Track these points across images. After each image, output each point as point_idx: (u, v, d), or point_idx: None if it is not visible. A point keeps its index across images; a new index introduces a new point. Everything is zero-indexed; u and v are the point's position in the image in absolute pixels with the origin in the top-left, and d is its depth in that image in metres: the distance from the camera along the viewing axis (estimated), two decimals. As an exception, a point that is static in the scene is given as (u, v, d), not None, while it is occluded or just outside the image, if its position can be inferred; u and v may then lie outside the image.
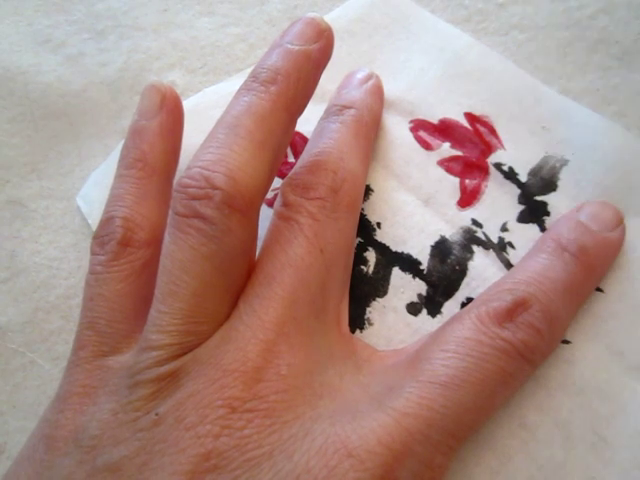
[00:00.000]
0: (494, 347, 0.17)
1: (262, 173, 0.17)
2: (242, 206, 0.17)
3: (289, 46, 0.19)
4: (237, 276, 0.18)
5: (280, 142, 0.19)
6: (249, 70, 0.26)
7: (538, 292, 0.18)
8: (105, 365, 0.18)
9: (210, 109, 0.25)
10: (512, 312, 0.17)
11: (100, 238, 0.20)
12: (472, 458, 0.19)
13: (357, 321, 0.21)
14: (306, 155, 0.20)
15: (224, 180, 0.17)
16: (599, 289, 0.20)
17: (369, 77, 0.24)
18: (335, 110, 0.22)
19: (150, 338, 0.16)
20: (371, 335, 0.21)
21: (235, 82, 0.26)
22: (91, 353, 0.18)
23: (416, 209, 0.22)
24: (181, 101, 0.23)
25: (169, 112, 0.22)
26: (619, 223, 0.20)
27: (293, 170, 0.20)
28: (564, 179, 0.22)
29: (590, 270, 0.19)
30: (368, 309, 0.21)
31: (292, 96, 0.19)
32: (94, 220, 0.24)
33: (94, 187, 0.25)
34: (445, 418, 0.16)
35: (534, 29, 0.24)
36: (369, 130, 0.22)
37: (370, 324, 0.21)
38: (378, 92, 0.24)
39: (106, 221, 0.20)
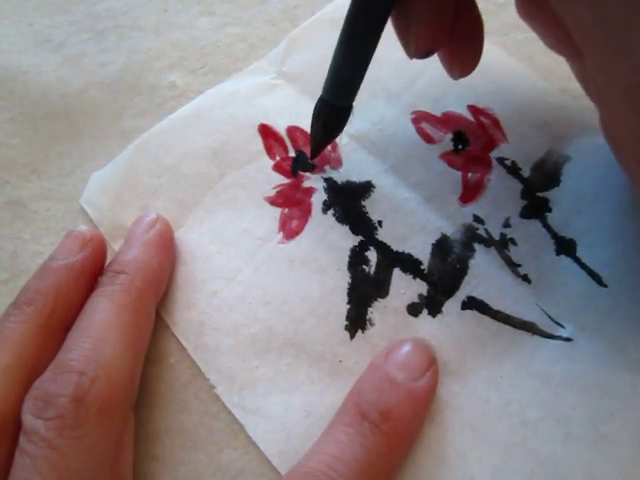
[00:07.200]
0: None
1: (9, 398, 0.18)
2: None
3: (51, 262, 0.21)
4: None
5: (39, 356, 0.19)
6: (249, 69, 0.26)
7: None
8: None
9: (212, 110, 0.25)
10: None
11: None
12: (473, 454, 0.19)
13: (359, 322, 0.21)
14: (67, 341, 0.19)
15: None
16: (603, 284, 0.20)
17: (152, 224, 0.23)
18: (106, 278, 0.21)
19: None
20: (373, 335, 0.21)
21: (235, 82, 0.26)
22: None
23: (417, 206, 0.22)
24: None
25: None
26: (429, 366, 0.19)
27: (43, 374, 0.19)
28: (567, 174, 0.22)
29: (394, 438, 0.18)
30: (370, 309, 0.21)
31: (49, 312, 0.20)
32: (106, 228, 0.24)
33: (100, 192, 0.25)
34: None
35: (533, 29, 0.24)
36: (141, 295, 0.21)
37: (372, 324, 0.21)
38: (160, 242, 0.23)
39: None
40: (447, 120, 0.23)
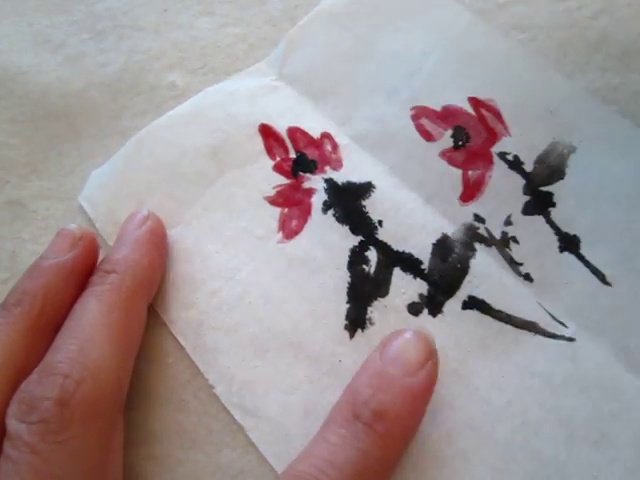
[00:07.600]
0: None
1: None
2: None
3: (41, 261, 0.21)
4: None
5: (28, 358, 0.19)
6: (249, 70, 0.26)
7: None
8: None
9: (211, 109, 0.25)
10: None
11: None
12: (475, 455, 0.19)
13: (358, 321, 0.21)
14: (56, 341, 0.19)
15: None
16: (606, 283, 0.20)
17: (144, 221, 0.23)
18: (97, 278, 0.21)
19: None
20: (373, 335, 0.21)
21: (235, 82, 0.26)
22: None
23: (418, 206, 0.22)
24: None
25: None
26: (427, 359, 0.18)
27: (30, 376, 0.18)
28: (572, 166, 0.21)
29: (390, 439, 0.17)
30: (369, 309, 0.21)
31: (37, 313, 0.19)
32: (102, 224, 0.24)
33: (98, 189, 0.25)
34: None
35: (534, 29, 0.24)
36: (131, 294, 0.20)
37: (372, 324, 0.21)
38: (151, 239, 0.22)
39: None
40: (447, 115, 0.23)
